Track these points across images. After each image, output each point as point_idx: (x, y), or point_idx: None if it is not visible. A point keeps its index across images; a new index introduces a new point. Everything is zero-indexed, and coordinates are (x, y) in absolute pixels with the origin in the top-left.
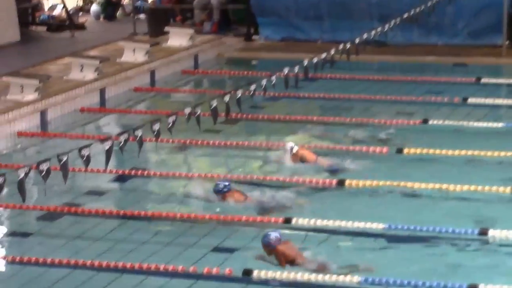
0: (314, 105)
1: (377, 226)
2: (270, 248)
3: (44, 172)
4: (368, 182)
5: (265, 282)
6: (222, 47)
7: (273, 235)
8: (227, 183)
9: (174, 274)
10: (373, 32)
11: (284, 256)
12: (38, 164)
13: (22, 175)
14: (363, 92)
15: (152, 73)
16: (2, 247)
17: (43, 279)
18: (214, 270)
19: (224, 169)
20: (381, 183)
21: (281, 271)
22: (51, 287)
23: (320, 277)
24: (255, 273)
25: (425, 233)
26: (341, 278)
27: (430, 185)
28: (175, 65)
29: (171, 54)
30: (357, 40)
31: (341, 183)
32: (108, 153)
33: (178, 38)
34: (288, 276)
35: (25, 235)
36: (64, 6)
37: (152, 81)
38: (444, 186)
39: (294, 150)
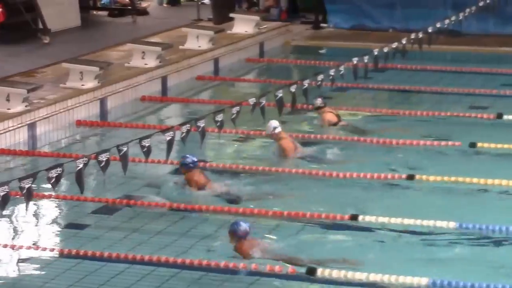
0: (383, 97)
1: (447, 225)
2: (235, 237)
3: (104, 162)
4: (439, 178)
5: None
6: (289, 35)
7: (243, 226)
8: (195, 160)
9: (233, 271)
10: (446, 21)
11: (242, 253)
12: (98, 154)
13: (80, 165)
14: (434, 84)
15: (216, 61)
16: (59, 240)
17: (100, 274)
18: (277, 269)
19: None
20: (452, 178)
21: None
22: (108, 282)
23: (385, 278)
24: (319, 272)
25: (497, 233)
26: (408, 280)
27: (504, 182)
28: (240, 53)
29: (236, 42)
30: (429, 29)
31: (410, 177)
32: (170, 143)
33: (243, 25)
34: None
35: (82, 227)
36: None
37: (216, 70)
38: None
39: (277, 131)
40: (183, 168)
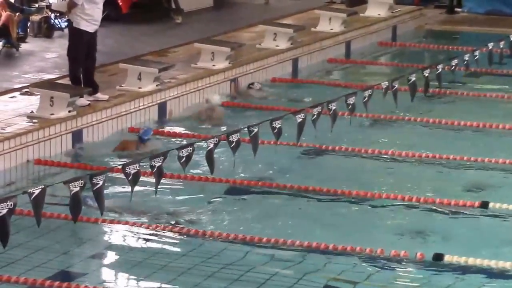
0: None
1: None
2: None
3: (234, 143)
4: None
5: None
6: (422, 19)
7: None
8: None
9: (356, 255)
10: None
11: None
12: (228, 135)
13: (211, 145)
14: None
15: (348, 44)
16: (183, 220)
17: (221, 255)
18: (402, 253)
19: (416, 147)
20: None
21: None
22: (228, 265)
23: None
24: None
25: None
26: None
27: None
28: (372, 36)
29: (368, 25)
30: None
31: None
32: (301, 126)
33: (376, 8)
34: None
35: (207, 208)
36: None
37: (347, 53)
38: None
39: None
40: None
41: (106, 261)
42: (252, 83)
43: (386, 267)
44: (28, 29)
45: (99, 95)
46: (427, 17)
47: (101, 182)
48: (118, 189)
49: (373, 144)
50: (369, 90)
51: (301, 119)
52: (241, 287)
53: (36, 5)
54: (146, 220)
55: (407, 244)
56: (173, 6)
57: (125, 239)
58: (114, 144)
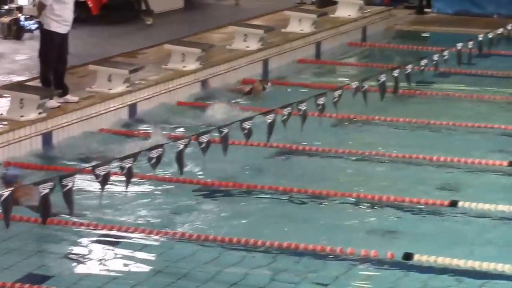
0: (487, 83)
1: None
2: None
3: (204, 144)
4: None
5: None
6: (392, 20)
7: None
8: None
9: (327, 255)
10: None
11: None
12: (198, 135)
13: (181, 146)
14: None
15: (318, 45)
16: (153, 221)
17: (193, 257)
18: (373, 253)
19: (386, 146)
20: None
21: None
22: (200, 266)
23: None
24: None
25: None
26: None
27: None
28: (342, 37)
29: (338, 25)
30: None
31: None
32: (271, 126)
33: (346, 8)
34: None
35: (178, 210)
36: None
37: (318, 53)
38: None
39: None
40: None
41: (75, 263)
42: (266, 83)
43: (357, 267)
44: None
45: (69, 97)
46: (397, 18)
47: (70, 184)
48: (89, 190)
49: (343, 144)
50: (339, 91)
51: (271, 120)
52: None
53: (6, 7)
54: (117, 222)
55: (377, 243)
56: (143, 7)
57: (94, 241)
58: (84, 146)
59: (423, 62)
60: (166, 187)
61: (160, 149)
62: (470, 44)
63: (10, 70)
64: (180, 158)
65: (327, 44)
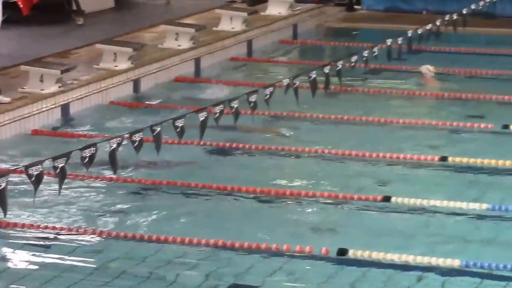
0: (418, 79)
1: (480, 206)
2: None
3: (137, 142)
4: (472, 160)
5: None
6: (323, 17)
7: None
8: None
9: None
10: (481, 3)
11: None
12: (131, 134)
13: (114, 145)
14: (469, 66)
15: (249, 43)
16: (91, 221)
17: (128, 254)
18: (307, 249)
19: (321, 143)
20: (485, 161)
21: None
22: (136, 265)
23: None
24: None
25: None
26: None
27: None
28: (273, 34)
29: (269, 23)
30: (464, 11)
31: (444, 159)
32: (203, 124)
33: (277, 6)
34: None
35: (115, 209)
36: None
37: (249, 51)
38: None
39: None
40: None
41: (11, 265)
42: None
43: (292, 263)
44: None
45: (0, 98)
46: (327, 15)
47: (3, 184)
48: (22, 190)
49: (275, 141)
50: (271, 88)
51: (203, 118)
52: (149, 286)
53: None
54: (51, 222)
55: (312, 239)
56: (74, 7)
57: (31, 242)
58: (18, 146)
59: (353, 58)
60: (99, 186)
61: (93, 148)
62: (400, 40)
63: None
64: (113, 157)
65: (258, 42)
